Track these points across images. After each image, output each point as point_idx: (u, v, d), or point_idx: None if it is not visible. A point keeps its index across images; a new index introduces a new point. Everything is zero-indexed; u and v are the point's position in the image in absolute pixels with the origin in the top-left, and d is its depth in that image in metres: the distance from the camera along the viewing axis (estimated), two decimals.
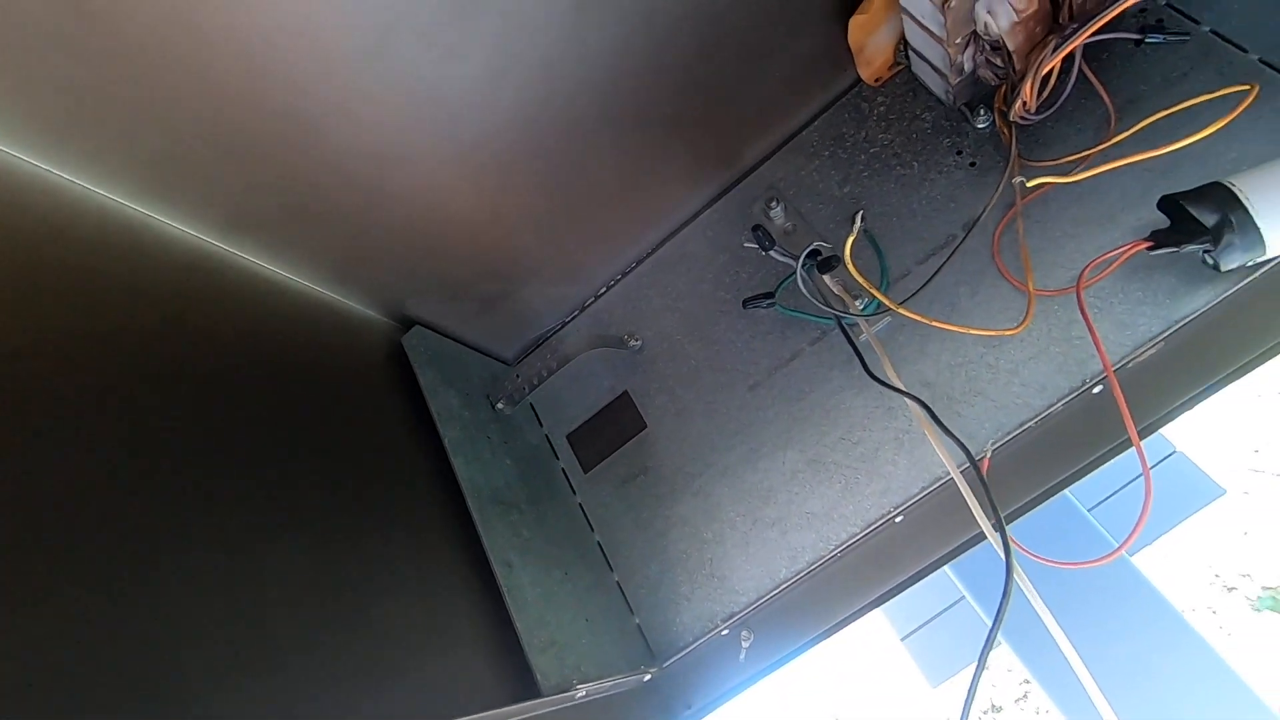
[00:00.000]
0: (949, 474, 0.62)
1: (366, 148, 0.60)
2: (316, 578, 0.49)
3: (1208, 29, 0.66)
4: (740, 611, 0.72)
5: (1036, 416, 0.64)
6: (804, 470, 0.73)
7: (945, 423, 0.59)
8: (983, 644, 0.53)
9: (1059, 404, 0.63)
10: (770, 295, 0.77)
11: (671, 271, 0.88)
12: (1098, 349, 0.58)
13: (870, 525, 0.69)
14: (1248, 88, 0.54)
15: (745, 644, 0.74)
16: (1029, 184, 0.62)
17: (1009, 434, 0.64)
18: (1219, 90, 0.57)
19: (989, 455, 0.64)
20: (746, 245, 0.79)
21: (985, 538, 0.56)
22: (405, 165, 0.63)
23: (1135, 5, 0.59)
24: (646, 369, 0.86)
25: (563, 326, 0.93)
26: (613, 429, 0.85)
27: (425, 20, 0.53)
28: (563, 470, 0.86)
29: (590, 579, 0.75)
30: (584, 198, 0.78)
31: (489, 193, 0.71)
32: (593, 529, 0.82)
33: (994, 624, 0.51)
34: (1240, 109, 0.54)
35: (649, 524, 0.79)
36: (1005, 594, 0.50)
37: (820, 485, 0.72)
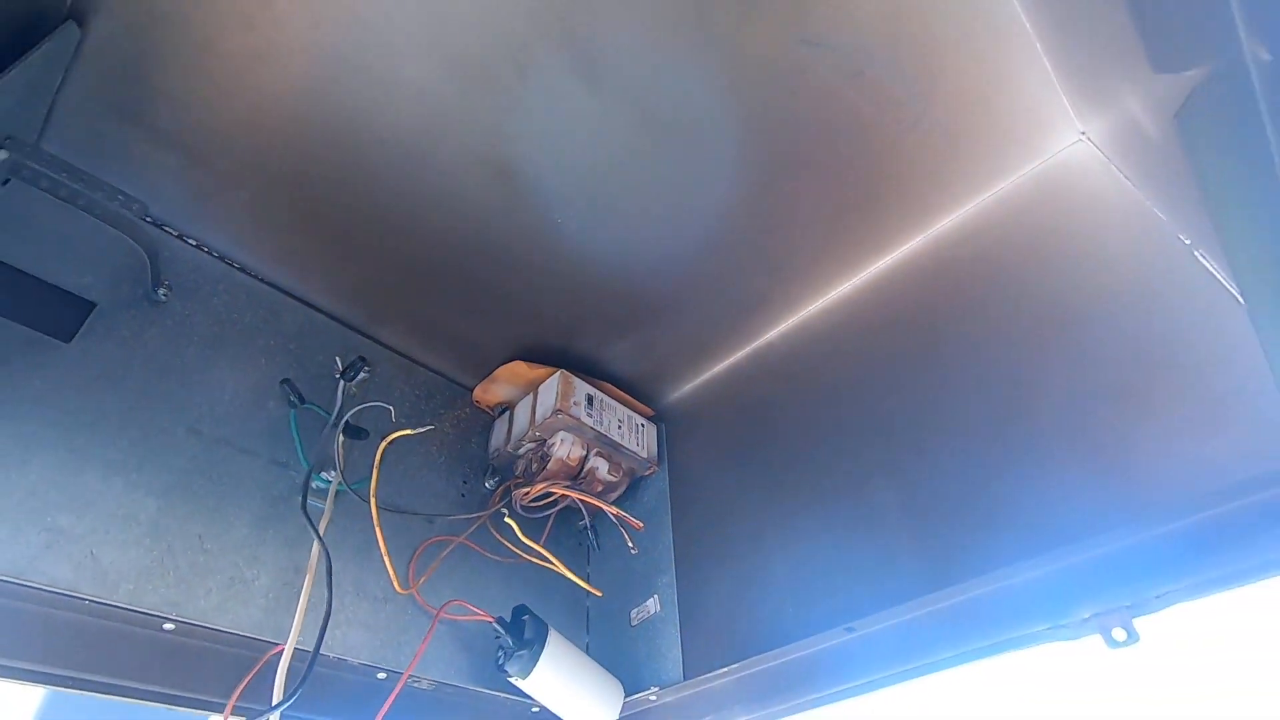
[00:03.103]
0: (279, 643, 0.63)
1: None
2: None
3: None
4: None
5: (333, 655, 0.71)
6: (147, 518, 0.65)
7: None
8: None
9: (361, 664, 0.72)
10: (302, 400, 0.80)
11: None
12: (417, 655, 0.73)
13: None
14: (598, 591, 0.89)
15: None
16: (505, 519, 0.84)
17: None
18: (579, 578, 0.92)
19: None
20: (337, 377, 0.84)
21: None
22: None
23: (594, 509, 0.97)
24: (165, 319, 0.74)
25: None
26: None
27: None
28: None
29: None
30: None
31: None
32: None
33: None
34: (589, 596, 0.86)
35: None
36: None
37: (135, 546, 0.63)
